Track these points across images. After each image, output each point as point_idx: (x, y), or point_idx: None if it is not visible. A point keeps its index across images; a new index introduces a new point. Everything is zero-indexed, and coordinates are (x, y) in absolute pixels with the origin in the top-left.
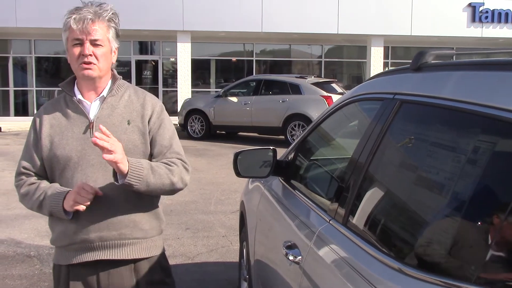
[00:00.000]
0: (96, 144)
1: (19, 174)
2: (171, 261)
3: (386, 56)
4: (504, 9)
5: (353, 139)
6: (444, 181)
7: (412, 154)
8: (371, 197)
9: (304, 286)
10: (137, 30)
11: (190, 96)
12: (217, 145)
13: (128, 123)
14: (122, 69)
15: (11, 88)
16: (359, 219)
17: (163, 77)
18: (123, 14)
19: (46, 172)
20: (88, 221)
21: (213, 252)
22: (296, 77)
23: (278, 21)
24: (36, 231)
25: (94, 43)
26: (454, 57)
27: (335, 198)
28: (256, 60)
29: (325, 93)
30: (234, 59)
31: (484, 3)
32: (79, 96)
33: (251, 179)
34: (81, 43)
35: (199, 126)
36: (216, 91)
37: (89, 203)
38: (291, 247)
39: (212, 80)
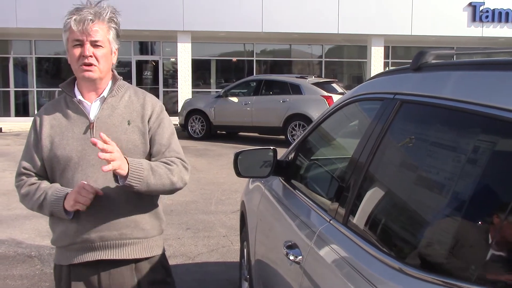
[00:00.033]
0: (94, 145)
1: (19, 174)
2: (172, 261)
3: (386, 56)
4: (504, 8)
5: (354, 139)
6: (444, 181)
7: (412, 154)
8: (372, 197)
9: (304, 286)
10: (138, 31)
11: (190, 97)
12: (218, 145)
13: (128, 123)
14: (123, 69)
15: (12, 89)
16: (359, 219)
17: (163, 78)
18: (123, 14)
19: (47, 172)
20: (89, 221)
21: (213, 252)
22: (297, 77)
23: (278, 21)
24: (37, 231)
25: (94, 44)
26: (454, 57)
27: (335, 198)
28: (256, 60)
29: (325, 93)
30: (234, 59)
31: (484, 2)
32: (79, 97)
33: (251, 179)
34: (81, 44)
35: (199, 126)
36: (216, 91)
37: (90, 203)
38: (291, 247)
39: (213, 80)
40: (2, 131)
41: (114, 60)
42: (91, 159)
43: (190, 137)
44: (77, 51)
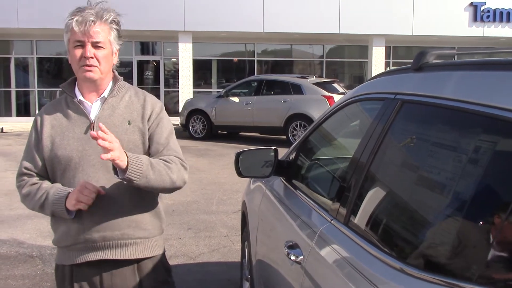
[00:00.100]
0: (95, 138)
1: (20, 174)
2: (173, 261)
3: (387, 56)
4: (505, 8)
5: (355, 139)
6: (446, 181)
7: (413, 154)
8: (373, 197)
9: (305, 286)
10: (139, 31)
11: (191, 97)
12: (219, 145)
13: (129, 124)
14: (124, 69)
15: (13, 89)
16: (360, 219)
17: (164, 78)
18: (124, 14)
19: (48, 172)
20: (91, 221)
21: (215, 252)
22: (298, 77)
23: (279, 21)
24: (39, 231)
25: (95, 45)
26: (455, 57)
27: (336, 198)
28: (257, 60)
29: (326, 93)
30: (235, 59)
31: (485, 2)
32: (80, 97)
33: (252, 179)
34: (82, 45)
35: (200, 126)
36: (217, 91)
37: (92, 202)
38: (292, 247)
39: (214, 80)
40: (4, 131)
41: (115, 60)
42: (92, 159)
43: (191, 137)
44: (78, 52)
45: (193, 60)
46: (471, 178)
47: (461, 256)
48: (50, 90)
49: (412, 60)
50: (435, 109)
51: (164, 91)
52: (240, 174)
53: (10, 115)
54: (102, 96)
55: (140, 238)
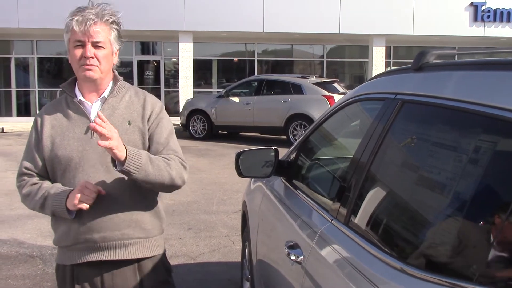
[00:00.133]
0: (94, 129)
1: (21, 174)
2: (174, 261)
3: (388, 56)
4: (506, 8)
5: (355, 139)
6: (446, 181)
7: (414, 154)
8: (373, 197)
9: (306, 286)
10: (139, 31)
11: (192, 97)
12: (219, 145)
13: (129, 124)
14: (124, 69)
15: (13, 89)
16: (361, 219)
17: (165, 78)
18: (125, 14)
19: (48, 172)
20: (91, 221)
21: (215, 252)
22: (298, 77)
23: (279, 21)
24: (39, 231)
25: (95, 45)
26: (455, 57)
27: (337, 198)
28: (258, 60)
29: (327, 93)
30: (236, 59)
31: (486, 2)
32: (80, 97)
33: (253, 179)
34: (82, 45)
35: (201, 126)
36: (218, 91)
37: (92, 201)
38: (293, 247)
39: (214, 80)
40: (4, 131)
41: (115, 60)
42: (92, 160)
43: (191, 137)
44: (78, 51)
45: (194, 60)
46: (472, 178)
47: (462, 256)
48: (50, 90)
49: (412, 60)
50: (436, 109)
51: (165, 91)
52: (240, 174)
53: (10, 115)
54: (102, 96)
55: (140, 238)
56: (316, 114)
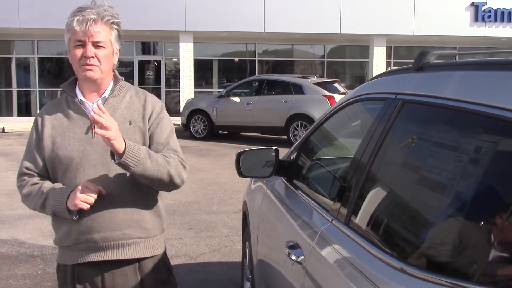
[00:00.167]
0: (93, 119)
1: (21, 174)
2: (174, 261)
3: (388, 56)
4: (507, 8)
5: (356, 139)
6: (447, 181)
7: (414, 154)
8: (374, 197)
9: (306, 286)
10: (140, 31)
11: (192, 97)
12: (220, 145)
13: (130, 124)
14: (125, 69)
15: (14, 89)
16: (361, 219)
17: (165, 78)
18: (125, 14)
19: (48, 172)
20: (92, 221)
21: (215, 252)
22: (299, 77)
23: (280, 21)
24: (40, 231)
25: (96, 45)
26: (456, 57)
27: (337, 198)
28: (258, 60)
29: (327, 93)
30: (236, 59)
31: (487, 2)
32: (80, 97)
33: (253, 179)
34: (83, 45)
35: (201, 126)
36: (218, 91)
37: (93, 201)
38: (293, 247)
39: (215, 80)
40: (5, 131)
41: (115, 60)
42: (93, 159)
43: (192, 137)
44: (78, 51)
45: (194, 60)
46: (472, 178)
47: (462, 256)
48: (51, 90)
49: (413, 60)
50: (436, 109)
51: (165, 91)
52: (241, 174)
53: (11, 115)
54: (103, 96)
55: (140, 237)
56: (317, 114)
